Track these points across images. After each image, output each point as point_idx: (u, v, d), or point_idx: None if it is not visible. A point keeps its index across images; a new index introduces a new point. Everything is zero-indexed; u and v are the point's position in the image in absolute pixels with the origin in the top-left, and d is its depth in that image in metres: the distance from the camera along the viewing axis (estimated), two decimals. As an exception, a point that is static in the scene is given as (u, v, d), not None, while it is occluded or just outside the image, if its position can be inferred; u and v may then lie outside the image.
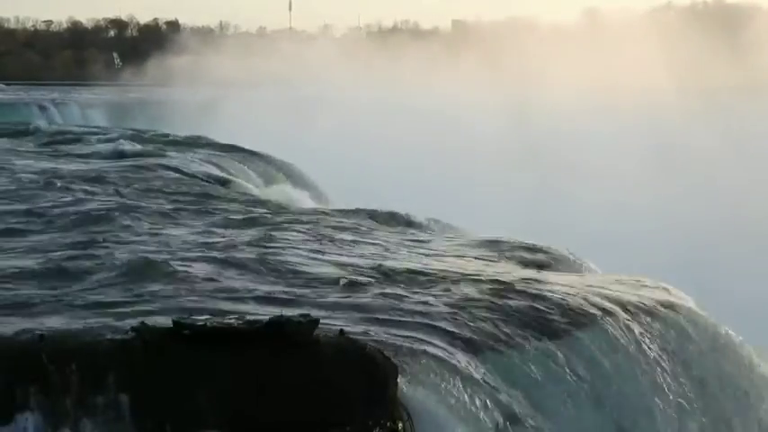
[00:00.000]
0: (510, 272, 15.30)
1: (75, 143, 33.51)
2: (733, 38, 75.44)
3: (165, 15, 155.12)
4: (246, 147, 33.81)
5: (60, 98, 71.46)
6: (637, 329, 13.31)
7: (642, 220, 45.82)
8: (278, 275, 14.07)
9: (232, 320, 10.62)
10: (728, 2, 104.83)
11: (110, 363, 9.96)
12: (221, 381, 9.95)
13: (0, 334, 10.46)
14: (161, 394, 9.86)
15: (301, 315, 10.84)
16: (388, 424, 10.17)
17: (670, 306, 14.29)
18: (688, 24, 77.87)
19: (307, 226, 18.14)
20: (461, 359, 11.38)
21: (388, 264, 15.15)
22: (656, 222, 45.89)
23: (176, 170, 26.32)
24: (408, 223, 19.83)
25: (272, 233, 17.04)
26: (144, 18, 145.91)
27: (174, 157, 29.35)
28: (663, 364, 13.11)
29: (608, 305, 13.64)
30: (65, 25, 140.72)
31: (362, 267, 14.79)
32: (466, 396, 10.89)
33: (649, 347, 13.18)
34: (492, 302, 13.15)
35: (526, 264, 16.38)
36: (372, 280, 13.99)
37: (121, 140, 32.67)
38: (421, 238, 18.23)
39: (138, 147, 31.25)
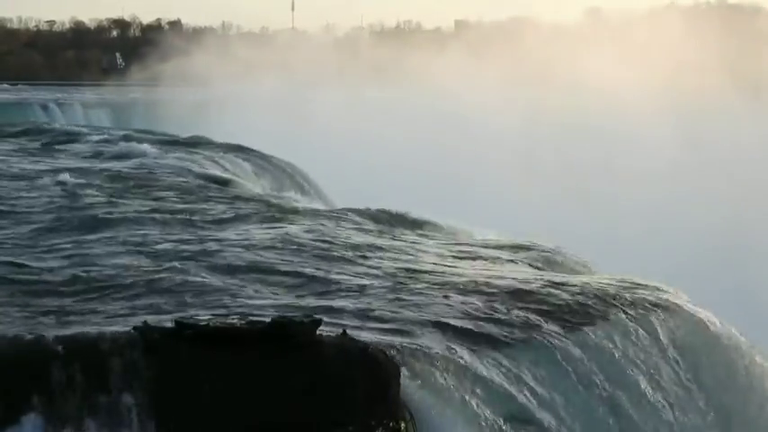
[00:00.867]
0: (514, 272, 15.32)
1: (76, 143, 33.49)
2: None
3: (167, 15, 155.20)
4: (248, 146, 33.78)
5: (63, 98, 71.48)
6: (642, 329, 13.35)
7: (652, 220, 45.73)
8: (279, 276, 14.09)
9: (234, 321, 10.64)
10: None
11: (113, 363, 9.99)
12: (224, 381, 9.98)
13: (3, 335, 10.48)
14: (164, 394, 9.89)
15: (304, 315, 10.87)
16: (391, 424, 10.19)
17: (677, 306, 14.32)
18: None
19: (309, 226, 18.15)
20: (464, 359, 11.40)
21: (390, 264, 15.18)
22: (667, 223, 45.77)
23: (178, 170, 26.30)
24: (413, 224, 19.84)
25: (273, 233, 17.05)
26: (146, 18, 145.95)
27: (177, 157, 29.33)
28: (670, 362, 13.17)
29: (614, 304, 13.67)
30: (67, 25, 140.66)
31: (364, 267, 14.81)
32: (468, 396, 10.91)
33: (655, 347, 13.22)
34: (494, 303, 13.16)
35: (531, 264, 16.40)
36: (374, 280, 14.02)
37: (123, 141, 32.65)
38: (422, 239, 18.24)
39: (141, 147, 31.21)
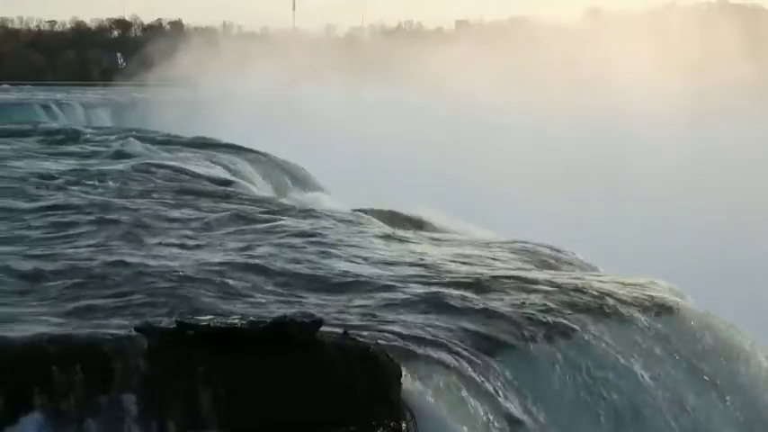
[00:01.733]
0: (515, 272, 15.29)
1: (77, 143, 33.51)
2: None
3: (168, 16, 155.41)
4: (249, 147, 33.79)
5: (64, 98, 71.48)
6: (645, 330, 13.34)
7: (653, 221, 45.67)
8: (280, 276, 14.08)
9: (236, 320, 10.63)
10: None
11: (114, 363, 9.98)
12: (225, 381, 9.97)
13: (4, 335, 10.46)
14: (165, 394, 9.88)
15: (305, 315, 10.85)
16: (392, 424, 10.18)
17: (681, 306, 14.31)
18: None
19: (311, 226, 18.15)
20: (465, 359, 11.39)
21: (391, 264, 15.17)
22: (675, 224, 45.68)
23: (180, 170, 26.30)
24: (415, 223, 19.85)
25: (274, 233, 17.05)
26: (147, 18, 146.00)
27: (179, 158, 29.34)
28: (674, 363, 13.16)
29: (620, 305, 13.66)
30: (68, 25, 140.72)
31: (365, 267, 14.80)
32: (469, 396, 10.90)
33: (658, 347, 13.21)
34: (495, 303, 13.15)
35: (533, 264, 16.39)
36: (375, 280, 14.00)
37: (124, 141, 32.64)
38: (424, 239, 18.24)
39: (142, 147, 31.21)
